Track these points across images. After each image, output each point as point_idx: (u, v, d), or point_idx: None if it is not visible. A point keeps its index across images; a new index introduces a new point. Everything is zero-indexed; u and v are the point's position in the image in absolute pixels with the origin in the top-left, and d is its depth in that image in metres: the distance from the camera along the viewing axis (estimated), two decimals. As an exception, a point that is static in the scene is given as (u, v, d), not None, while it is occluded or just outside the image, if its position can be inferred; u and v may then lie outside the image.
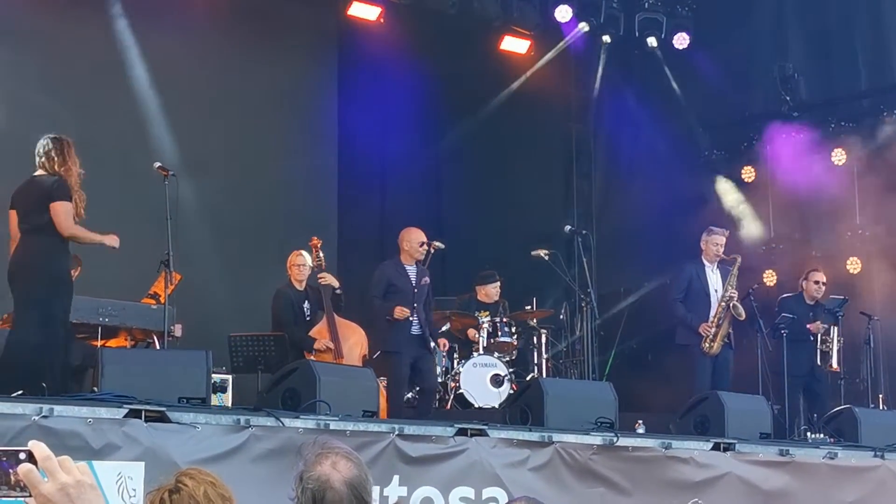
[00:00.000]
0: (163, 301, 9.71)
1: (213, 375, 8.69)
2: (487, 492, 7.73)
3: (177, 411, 6.73)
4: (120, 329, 10.26)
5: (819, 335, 12.15)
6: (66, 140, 8.15)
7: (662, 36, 15.19)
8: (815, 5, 14.57)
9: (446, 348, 11.77)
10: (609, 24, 15.22)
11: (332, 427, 7.20)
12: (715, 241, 11.70)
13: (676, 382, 12.09)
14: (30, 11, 12.23)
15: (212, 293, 12.53)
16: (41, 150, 8.10)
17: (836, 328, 12.24)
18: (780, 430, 10.91)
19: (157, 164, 9.42)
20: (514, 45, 15.25)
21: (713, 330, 11.45)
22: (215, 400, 9.57)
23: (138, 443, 6.42)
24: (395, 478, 7.36)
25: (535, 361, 12.80)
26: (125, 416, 6.48)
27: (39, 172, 8.10)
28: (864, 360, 12.66)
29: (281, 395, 7.70)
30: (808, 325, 12.07)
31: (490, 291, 12.25)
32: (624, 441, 8.51)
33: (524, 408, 8.78)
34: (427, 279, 10.80)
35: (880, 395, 12.71)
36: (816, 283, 12.31)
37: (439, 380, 11.57)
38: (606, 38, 15.39)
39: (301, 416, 7.23)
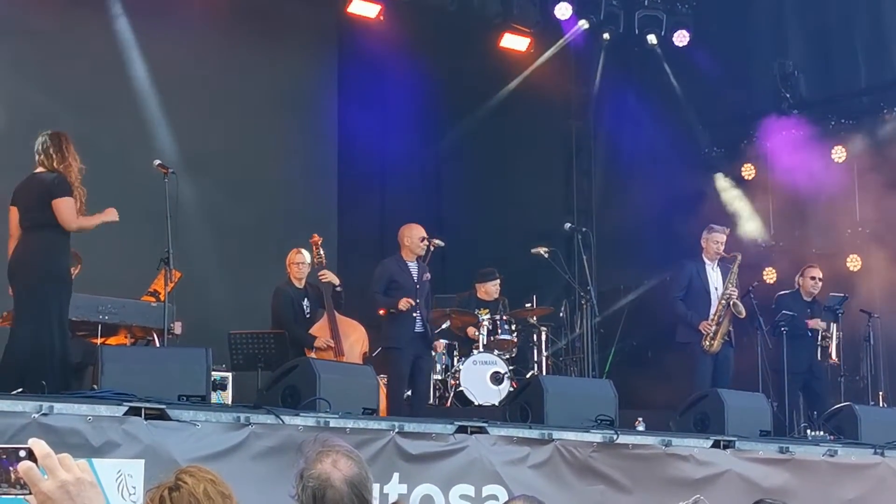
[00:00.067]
0: (163, 299, 9.70)
1: (213, 373, 8.68)
2: (487, 489, 7.73)
3: (177, 409, 6.73)
4: (120, 327, 10.26)
5: (819, 332, 12.15)
6: (63, 135, 8.15)
7: (662, 33, 15.19)
8: (814, 2, 14.56)
9: (441, 349, 11.76)
10: (609, 21, 15.22)
11: (332, 425, 7.20)
12: (715, 239, 11.70)
13: (676, 380, 12.10)
14: (30, 11, 12.24)
15: (212, 291, 12.53)
16: (39, 148, 8.09)
17: (835, 325, 12.24)
18: (780, 427, 10.92)
19: (157, 162, 9.42)
20: (514, 42, 15.24)
21: (713, 328, 11.45)
22: (215, 398, 9.57)
23: (138, 440, 6.41)
24: (395, 475, 7.36)
25: (535, 359, 12.80)
26: (125, 414, 6.48)
27: (39, 169, 8.11)
28: (863, 357, 12.67)
29: (281, 393, 7.69)
30: (807, 322, 12.07)
31: (490, 289, 12.25)
32: (624, 438, 8.51)
33: (524, 405, 8.79)
34: (428, 275, 10.82)
35: (880, 393, 12.72)
36: (813, 279, 12.31)
37: (439, 377, 11.60)
38: (606, 36, 15.39)
39: (301, 414, 7.23)
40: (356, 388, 8.07)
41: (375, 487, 6.84)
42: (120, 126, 12.52)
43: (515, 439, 7.99)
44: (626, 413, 10.02)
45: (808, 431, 10.96)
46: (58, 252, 8.10)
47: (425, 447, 7.57)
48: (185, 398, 7.08)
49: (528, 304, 13.00)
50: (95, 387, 7.66)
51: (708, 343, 11.41)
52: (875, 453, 9.69)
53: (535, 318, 12.83)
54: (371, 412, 7.93)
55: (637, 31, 15.27)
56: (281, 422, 7.02)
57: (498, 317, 11.98)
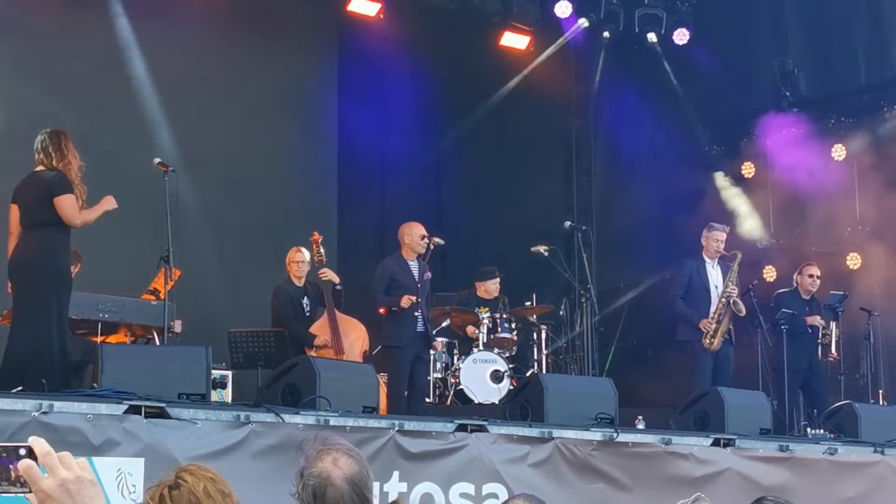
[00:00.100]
0: (163, 297, 9.71)
1: (213, 371, 8.68)
2: (487, 487, 7.73)
3: (176, 407, 6.73)
4: (120, 325, 10.26)
5: (819, 329, 12.15)
6: (62, 133, 8.15)
7: (662, 31, 15.19)
8: (814, 1, 14.56)
9: (440, 348, 11.76)
10: (609, 19, 15.23)
11: (332, 423, 7.20)
12: (715, 238, 11.70)
13: (676, 378, 12.10)
14: (30, 11, 12.24)
15: (212, 289, 12.53)
16: (39, 146, 8.10)
17: (834, 323, 12.24)
18: (780, 425, 10.92)
19: (157, 160, 9.42)
20: (514, 40, 15.24)
21: (713, 326, 11.45)
22: (215, 396, 9.56)
23: (138, 439, 6.41)
24: (395, 474, 7.36)
25: (535, 357, 12.80)
26: (125, 413, 6.48)
27: (39, 168, 8.11)
28: (863, 355, 12.68)
29: (281, 391, 7.69)
30: (806, 318, 12.06)
31: (490, 287, 12.25)
32: (624, 437, 8.51)
33: (524, 404, 8.78)
34: (429, 274, 10.82)
35: (880, 391, 12.72)
36: (811, 276, 12.31)
37: (439, 376, 11.59)
38: (606, 34, 15.39)
39: (301, 412, 7.23)
40: (356, 386, 8.06)
41: (375, 486, 6.83)
42: (120, 125, 12.52)
43: (515, 438, 7.99)
44: (626, 411, 10.02)
45: (808, 430, 10.95)
46: (58, 250, 8.10)
47: (425, 445, 7.57)
48: (185, 396, 7.08)
49: (528, 303, 12.99)
50: (95, 385, 7.66)
51: (708, 341, 11.41)
52: (875, 451, 9.69)
53: (535, 317, 12.83)
54: (371, 410, 7.93)
55: (637, 30, 15.27)
56: (281, 420, 7.02)
57: (498, 315, 11.97)
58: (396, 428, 7.44)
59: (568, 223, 13.18)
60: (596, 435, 8.35)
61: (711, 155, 15.32)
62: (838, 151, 14.16)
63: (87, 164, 8.25)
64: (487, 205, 15.33)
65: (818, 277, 12.34)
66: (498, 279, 12.29)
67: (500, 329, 11.88)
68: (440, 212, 15.03)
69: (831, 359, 12.20)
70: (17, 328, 8.00)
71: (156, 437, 6.46)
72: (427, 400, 11.16)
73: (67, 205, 7.96)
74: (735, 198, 14.76)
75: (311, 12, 14.52)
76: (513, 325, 12.05)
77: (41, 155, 8.09)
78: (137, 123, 12.66)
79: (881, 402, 12.39)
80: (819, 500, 9.00)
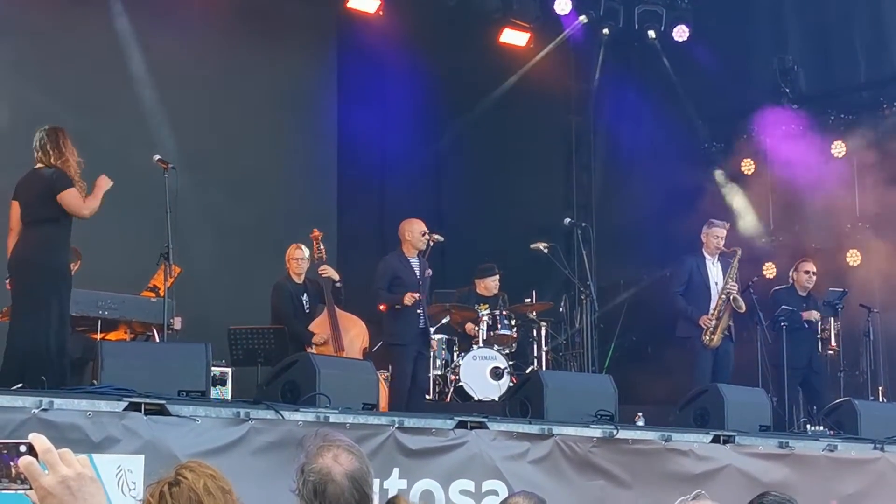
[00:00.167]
0: (162, 294, 9.71)
1: (213, 368, 8.68)
2: (487, 484, 7.73)
3: (176, 404, 6.73)
4: (119, 322, 10.26)
5: (818, 325, 12.14)
6: (60, 130, 8.16)
7: (662, 28, 15.18)
8: (814, -3, 14.58)
9: (435, 346, 11.77)
10: (608, 16, 15.21)
11: (331, 420, 7.20)
12: (715, 234, 11.70)
13: (676, 375, 12.10)
14: (31, 10, 12.24)
15: (211, 286, 12.53)
16: (37, 144, 8.13)
17: (833, 320, 12.24)
18: (780, 422, 10.92)
19: (157, 157, 9.41)
20: (514, 37, 15.23)
21: (713, 322, 11.45)
22: (215, 393, 9.57)
23: (138, 436, 6.42)
24: (395, 470, 7.36)
25: (535, 354, 12.80)
26: (125, 409, 6.48)
27: (39, 165, 8.12)
28: (863, 352, 12.68)
29: (281, 388, 7.70)
30: (802, 314, 12.04)
31: (489, 284, 12.25)
32: (624, 434, 8.51)
33: (524, 400, 8.78)
34: (430, 271, 10.83)
35: (880, 388, 12.72)
36: (807, 272, 12.30)
37: (439, 372, 11.59)
38: (606, 31, 15.38)
39: (301, 409, 7.23)
40: (356, 383, 8.06)
41: (375, 483, 6.83)
42: (120, 123, 12.52)
43: (515, 434, 7.99)
44: (626, 408, 10.01)
45: (808, 426, 10.95)
46: (58, 248, 8.11)
47: (425, 442, 7.57)
48: (184, 393, 7.08)
49: (527, 300, 12.99)
50: (95, 382, 7.67)
51: (708, 338, 11.42)
52: (875, 448, 9.69)
53: (534, 314, 12.83)
54: (371, 407, 7.93)
55: (637, 27, 15.26)
56: (281, 417, 7.02)
57: (497, 312, 11.97)
58: (396, 425, 7.45)
59: (568, 220, 13.17)
60: (596, 432, 8.36)
61: (711, 151, 15.31)
62: (838, 148, 14.16)
63: (87, 162, 8.26)
64: (487, 201, 15.32)
65: (814, 273, 12.33)
66: (497, 276, 12.30)
67: (499, 326, 11.88)
68: (440, 208, 15.03)
69: (831, 351, 12.19)
70: (17, 325, 8.01)
71: (156, 434, 6.47)
72: (427, 397, 11.16)
73: (72, 199, 7.99)
74: (732, 194, 14.76)
75: (311, 10, 14.51)
76: (512, 322, 12.05)
77: (39, 153, 8.10)
78: (137, 121, 12.66)
79: (881, 399, 12.39)
80: (819, 497, 9.00)
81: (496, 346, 11.72)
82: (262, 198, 13.58)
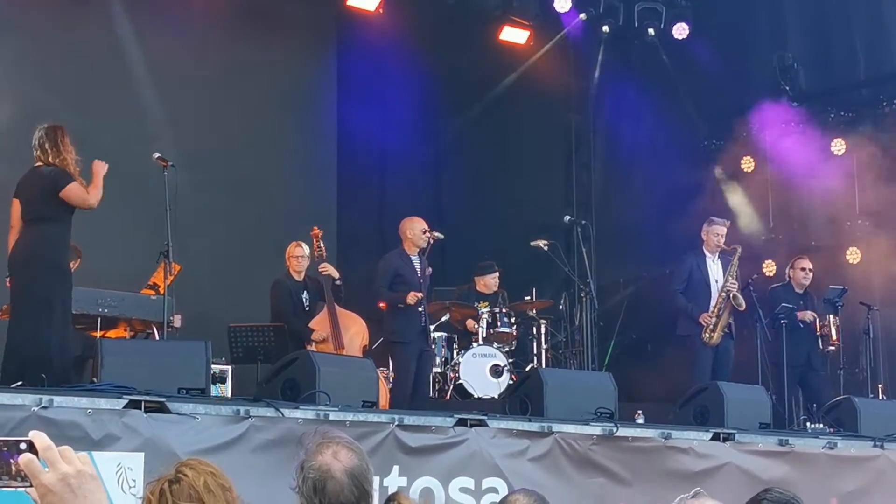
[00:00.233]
0: (162, 292, 9.71)
1: (213, 366, 8.69)
2: (487, 482, 7.73)
3: (176, 402, 6.73)
4: (119, 320, 10.27)
5: (817, 322, 12.13)
6: (59, 129, 8.17)
7: (662, 26, 15.18)
8: (813, -5, 14.58)
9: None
10: (608, 14, 15.21)
11: (331, 417, 7.20)
12: (716, 232, 11.70)
13: (676, 372, 12.10)
14: (32, 9, 12.24)
15: (211, 284, 12.53)
16: (36, 142, 8.15)
17: (831, 317, 12.23)
18: (780, 420, 10.92)
19: (157, 155, 9.42)
20: (514, 35, 15.22)
21: (713, 320, 11.45)
22: (215, 391, 9.57)
23: (138, 433, 6.42)
24: (395, 468, 7.37)
25: (535, 352, 12.81)
26: (125, 407, 6.49)
27: (38, 163, 8.13)
28: (863, 350, 12.68)
29: (280, 386, 7.70)
30: (797, 314, 12.02)
31: (489, 282, 12.25)
32: (623, 431, 8.51)
33: (524, 398, 8.78)
34: (430, 269, 10.83)
35: (879, 385, 12.72)
36: (803, 269, 12.29)
37: (438, 370, 11.60)
38: (606, 29, 15.37)
39: (301, 407, 7.23)
40: (356, 380, 8.07)
41: (375, 480, 6.84)
42: (119, 121, 12.52)
43: (515, 432, 7.99)
44: (626, 406, 10.02)
45: (808, 424, 10.96)
46: (58, 246, 8.12)
47: (425, 440, 7.57)
48: (184, 391, 7.08)
49: (527, 297, 12.99)
50: (95, 380, 7.67)
51: (707, 335, 11.42)
52: (874, 446, 9.68)
53: (534, 311, 12.84)
54: (371, 405, 7.93)
55: (636, 24, 15.26)
56: (281, 415, 7.02)
57: (497, 309, 11.97)
58: (396, 422, 7.45)
59: (567, 218, 13.16)
60: (595, 429, 8.36)
61: (711, 149, 15.31)
62: (837, 145, 14.15)
63: (87, 160, 8.26)
64: (487, 199, 15.31)
65: (810, 271, 12.32)
66: (497, 274, 12.29)
67: (499, 324, 11.88)
68: (440, 206, 15.03)
69: (832, 347, 12.17)
70: (17, 323, 8.01)
71: (156, 432, 6.47)
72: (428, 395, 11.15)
73: (76, 192, 8.01)
74: (732, 192, 14.75)
75: (311, 8, 14.51)
76: (512, 320, 12.05)
77: (38, 151, 8.13)
78: (137, 119, 12.67)
79: (881, 397, 12.39)
80: (818, 495, 9.00)
81: (496, 344, 11.72)
82: (261, 195, 13.58)
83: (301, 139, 14.43)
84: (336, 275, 10.87)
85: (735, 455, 8.88)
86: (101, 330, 10.05)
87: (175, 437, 6.53)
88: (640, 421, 10.14)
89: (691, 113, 15.20)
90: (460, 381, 11.47)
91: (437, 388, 11.58)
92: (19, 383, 7.17)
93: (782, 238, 14.54)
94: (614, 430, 8.42)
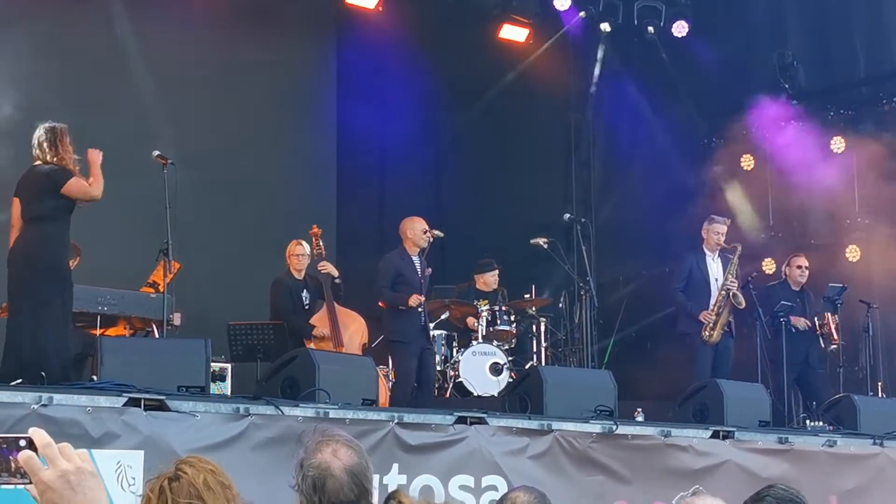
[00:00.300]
0: (162, 290, 9.71)
1: (213, 364, 8.68)
2: (487, 480, 7.73)
3: (176, 400, 6.73)
4: (119, 318, 10.27)
5: (817, 321, 12.14)
6: (59, 128, 8.17)
7: (661, 24, 15.19)
8: (813, -7, 14.58)
9: None
10: (608, 12, 15.21)
11: (331, 415, 7.20)
12: (716, 230, 11.70)
13: (675, 370, 12.10)
14: (32, 7, 12.24)
15: (211, 282, 12.53)
16: (35, 141, 8.16)
17: (829, 315, 12.23)
18: (779, 417, 10.92)
19: (156, 153, 9.42)
20: (513, 33, 15.23)
21: (713, 318, 11.45)
22: (214, 388, 9.57)
23: (138, 431, 6.42)
24: (395, 466, 7.37)
25: (534, 350, 12.81)
26: (124, 405, 6.48)
27: (37, 162, 8.13)
28: (862, 347, 12.67)
29: (280, 384, 7.70)
30: (791, 318, 11.98)
31: (489, 280, 12.25)
32: (623, 429, 8.51)
33: (523, 396, 8.78)
34: (429, 270, 10.83)
35: (879, 383, 12.72)
36: (799, 267, 12.29)
37: (438, 368, 11.59)
38: (605, 27, 15.37)
39: (300, 405, 7.23)
40: (355, 378, 8.07)
41: (375, 478, 6.83)
42: (119, 119, 12.50)
43: (515, 430, 8.00)
44: (626, 404, 10.02)
45: (808, 422, 10.96)
46: (57, 245, 8.12)
47: (425, 438, 7.57)
48: (184, 389, 7.08)
49: (527, 295, 13.00)
50: (95, 378, 7.67)
51: (707, 333, 11.42)
52: (874, 444, 9.69)
53: (534, 309, 12.84)
54: (370, 403, 7.94)
55: (636, 22, 15.26)
56: (280, 413, 7.02)
57: (497, 307, 11.98)
58: (396, 420, 7.45)
59: (567, 216, 13.17)
60: (595, 427, 8.36)
61: (710, 147, 15.31)
62: (837, 144, 14.16)
63: (86, 158, 8.25)
64: (487, 197, 15.31)
65: (806, 269, 12.31)
66: (497, 271, 12.29)
67: (499, 321, 11.89)
68: (439, 204, 15.02)
69: (834, 346, 12.17)
70: (17, 322, 8.01)
71: (155, 430, 6.47)
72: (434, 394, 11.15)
73: (78, 186, 8.02)
74: (731, 190, 14.75)
75: (310, 6, 14.49)
76: (512, 318, 12.06)
77: (37, 150, 8.14)
78: (136, 117, 12.65)
79: (880, 395, 12.40)
80: (818, 493, 9.00)
81: (495, 342, 11.72)
82: (261, 194, 13.57)
83: (301, 137, 14.42)
84: (335, 273, 10.87)
85: (734, 453, 8.88)
86: (100, 328, 10.05)
87: (175, 434, 6.52)
88: (640, 419, 10.15)
89: (691, 111, 15.20)
90: (460, 379, 11.47)
91: (436, 385, 11.57)
92: (18, 381, 7.16)
93: (782, 236, 14.54)
94: (614, 427, 8.42)
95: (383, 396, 9.69)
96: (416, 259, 10.74)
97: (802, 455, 9.23)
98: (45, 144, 8.09)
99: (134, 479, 6.29)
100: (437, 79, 14.92)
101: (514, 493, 4.35)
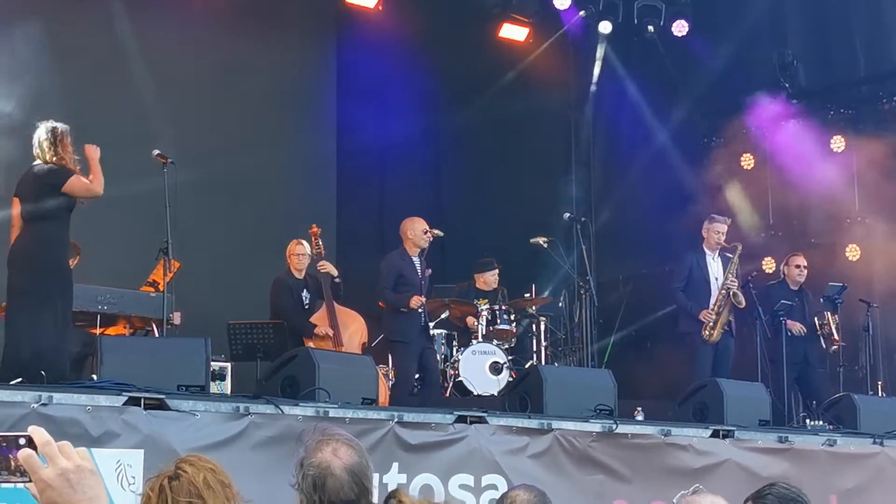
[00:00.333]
0: (162, 289, 9.71)
1: (213, 363, 8.68)
2: (487, 479, 7.73)
3: (176, 399, 6.72)
4: (119, 317, 10.27)
5: (817, 322, 12.14)
6: (60, 129, 8.17)
7: (661, 23, 15.18)
8: (813, -8, 14.57)
9: None
10: (608, 11, 15.21)
11: (331, 414, 7.20)
12: (716, 229, 11.70)
13: (675, 369, 12.11)
14: (32, 7, 12.24)
15: (211, 281, 12.52)
16: (36, 140, 8.16)
17: (829, 314, 12.23)
18: (779, 417, 10.92)
19: (156, 152, 9.42)
20: (513, 32, 15.23)
21: (713, 317, 11.45)
22: (214, 388, 9.57)
23: (137, 430, 6.41)
24: (395, 465, 7.36)
25: (534, 349, 12.81)
26: (124, 404, 6.48)
27: (37, 162, 8.14)
28: (862, 347, 12.67)
29: (280, 383, 7.69)
30: (787, 323, 11.97)
31: (489, 279, 12.25)
32: (623, 428, 8.51)
33: (523, 395, 8.78)
34: (429, 270, 10.83)
35: (879, 382, 12.72)
36: (797, 266, 12.29)
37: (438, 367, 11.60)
38: (605, 26, 15.37)
39: (300, 404, 7.23)
40: (355, 377, 8.07)
41: (374, 477, 6.83)
42: (119, 118, 12.50)
43: (515, 429, 7.99)
44: (626, 403, 10.02)
45: (808, 421, 10.96)
46: (57, 244, 8.12)
47: (424, 437, 7.57)
48: (184, 388, 7.08)
49: (527, 294, 13.00)
50: (95, 377, 7.67)
51: (707, 332, 11.42)
52: (874, 443, 9.69)
53: (534, 308, 12.84)
54: (370, 402, 7.93)
55: (636, 21, 15.25)
56: (280, 412, 7.01)
57: (497, 307, 11.98)
58: (395, 419, 7.45)
59: (567, 215, 13.13)
60: (595, 426, 8.36)
61: (710, 146, 15.31)
62: (837, 143, 14.16)
63: (85, 158, 8.26)
64: (487, 196, 15.31)
65: (805, 268, 12.31)
66: (497, 271, 12.29)
67: (499, 321, 11.89)
68: (439, 204, 15.03)
69: (835, 346, 12.16)
70: (17, 321, 8.01)
71: (155, 429, 6.46)
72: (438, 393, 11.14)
73: (79, 184, 8.03)
74: (731, 189, 14.75)
75: (310, 5, 14.50)
76: (512, 317, 12.06)
77: (38, 149, 8.14)
78: (137, 117, 12.64)
79: (880, 394, 12.39)
80: (818, 492, 8.99)
81: (495, 341, 11.72)
82: (261, 193, 13.57)
83: (301, 137, 14.41)
84: (335, 273, 10.87)
85: (734, 452, 8.88)
86: (100, 327, 10.05)
87: (175, 433, 6.52)
88: (640, 418, 10.14)
89: (691, 110, 15.19)
90: (460, 378, 11.47)
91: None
92: (18, 380, 7.16)
93: (782, 235, 14.54)
94: (614, 426, 8.42)
95: (383, 396, 9.69)
96: (416, 260, 10.74)
97: (802, 454, 9.22)
98: (45, 144, 8.09)
99: (134, 478, 6.29)
100: (437, 78, 14.93)
101: (513, 491, 4.36)
